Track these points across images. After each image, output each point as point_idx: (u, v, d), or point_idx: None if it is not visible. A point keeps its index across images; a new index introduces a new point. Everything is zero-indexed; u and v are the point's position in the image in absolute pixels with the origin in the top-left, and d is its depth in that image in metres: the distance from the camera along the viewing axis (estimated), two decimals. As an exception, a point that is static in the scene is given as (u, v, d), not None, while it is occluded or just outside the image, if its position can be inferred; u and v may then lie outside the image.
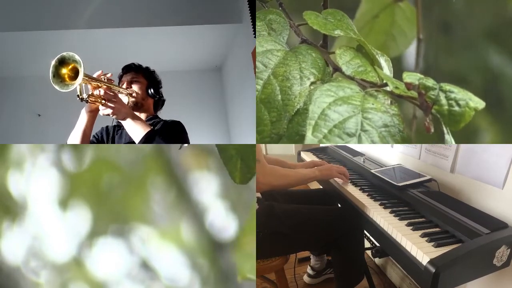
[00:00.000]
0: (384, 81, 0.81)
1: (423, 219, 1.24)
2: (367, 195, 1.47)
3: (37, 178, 1.34)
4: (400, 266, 1.81)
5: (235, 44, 3.47)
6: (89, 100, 1.33)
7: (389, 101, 0.79)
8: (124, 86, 1.61)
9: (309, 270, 2.01)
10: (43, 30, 2.92)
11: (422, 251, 0.98)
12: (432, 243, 1.03)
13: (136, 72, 1.65)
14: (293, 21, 0.90)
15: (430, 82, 0.77)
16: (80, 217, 1.33)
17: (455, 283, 0.96)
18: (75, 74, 1.26)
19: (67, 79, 1.26)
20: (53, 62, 1.25)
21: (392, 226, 1.16)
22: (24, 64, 3.55)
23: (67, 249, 1.32)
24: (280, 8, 0.92)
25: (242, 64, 3.25)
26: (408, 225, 1.17)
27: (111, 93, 1.37)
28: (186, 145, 0.94)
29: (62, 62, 1.26)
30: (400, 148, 1.79)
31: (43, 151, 1.35)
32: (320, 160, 2.11)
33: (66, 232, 1.33)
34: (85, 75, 1.27)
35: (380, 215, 1.25)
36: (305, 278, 2.02)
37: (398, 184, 1.43)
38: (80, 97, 1.30)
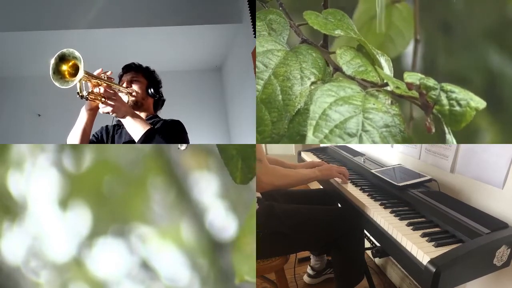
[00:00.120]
0: (385, 81, 0.81)
1: (423, 219, 1.24)
2: (367, 195, 1.47)
3: (37, 178, 1.34)
4: (400, 266, 1.81)
5: (235, 44, 3.47)
6: (89, 98, 1.33)
7: (389, 101, 0.79)
8: (124, 85, 1.61)
9: (309, 270, 2.01)
10: (43, 30, 2.92)
11: (423, 251, 0.98)
12: (432, 243, 1.03)
13: (136, 71, 1.65)
14: (293, 21, 0.90)
15: (431, 82, 0.77)
16: (80, 217, 1.33)
17: (455, 283, 0.96)
18: (75, 71, 1.26)
19: (67, 76, 1.26)
20: (53, 59, 1.25)
21: (392, 226, 1.16)
22: (24, 64, 3.55)
23: (67, 249, 1.32)
24: (280, 8, 0.92)
25: (242, 64, 3.25)
26: (408, 225, 1.17)
27: (111, 91, 1.37)
28: (185, 145, 0.94)
29: (62, 59, 1.26)
30: (400, 148, 1.79)
31: (43, 151, 1.35)
32: (319, 160, 2.11)
33: (66, 232, 1.33)
34: (85, 72, 1.27)
35: (380, 215, 1.25)
36: (305, 278, 2.02)
37: (398, 184, 1.43)
38: (80, 94, 1.30)
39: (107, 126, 1.64)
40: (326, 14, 0.89)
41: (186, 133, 1.57)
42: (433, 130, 0.77)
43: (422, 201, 1.30)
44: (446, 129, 0.78)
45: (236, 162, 0.74)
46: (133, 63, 1.68)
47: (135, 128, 1.38)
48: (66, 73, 1.26)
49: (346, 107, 0.75)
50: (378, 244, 1.67)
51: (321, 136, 0.73)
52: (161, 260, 1.33)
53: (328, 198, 1.76)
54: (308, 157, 2.29)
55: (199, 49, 3.64)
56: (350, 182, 1.63)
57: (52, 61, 1.24)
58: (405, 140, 0.76)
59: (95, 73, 1.37)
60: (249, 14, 2.73)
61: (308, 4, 0.92)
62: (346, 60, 0.84)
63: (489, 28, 1.26)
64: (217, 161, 1.36)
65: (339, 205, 1.73)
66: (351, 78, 0.82)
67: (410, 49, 1.11)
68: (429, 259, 0.94)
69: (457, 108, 0.76)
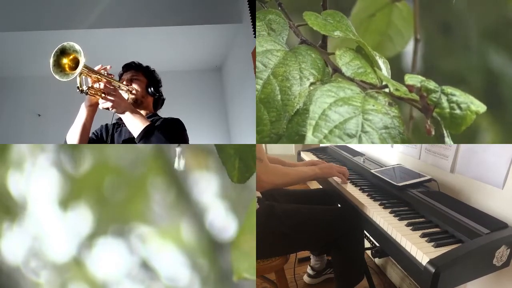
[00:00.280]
0: (384, 83, 0.81)
1: (423, 219, 1.24)
2: (367, 195, 1.47)
3: (37, 178, 1.34)
4: (400, 266, 1.81)
5: (235, 44, 3.47)
6: (89, 93, 1.33)
7: (388, 103, 0.79)
8: (124, 83, 1.61)
9: (309, 270, 2.01)
10: (43, 30, 2.93)
11: (422, 251, 0.98)
12: (432, 243, 1.03)
13: (136, 70, 1.66)
14: (292, 22, 0.90)
15: (432, 84, 0.77)
16: (80, 217, 1.33)
17: (455, 283, 0.96)
18: (75, 65, 1.26)
19: (67, 69, 1.26)
20: (53, 52, 1.25)
21: (392, 226, 1.16)
22: (24, 64, 3.55)
23: (67, 249, 1.32)
24: (279, 8, 0.92)
25: (242, 64, 3.25)
26: (408, 225, 1.17)
27: (111, 87, 1.37)
28: (180, 149, 0.93)
29: (62, 52, 1.26)
30: (400, 148, 1.80)
31: (43, 151, 1.35)
32: (319, 160, 2.11)
33: (66, 232, 1.33)
34: (86, 66, 1.27)
35: (380, 215, 1.25)
36: (305, 278, 2.02)
37: (398, 184, 1.43)
38: (80, 89, 1.30)
39: (106, 124, 1.64)
40: (326, 15, 0.89)
41: (186, 131, 1.57)
42: (433, 133, 0.77)
43: (421, 201, 1.30)
44: (445, 132, 0.78)
45: (234, 161, 0.74)
46: (133, 62, 1.68)
47: (135, 123, 1.38)
48: (66, 66, 1.27)
49: (345, 108, 0.76)
50: (378, 244, 1.67)
51: (320, 136, 0.73)
52: (161, 260, 1.33)
53: (328, 198, 1.76)
54: (308, 157, 2.29)
55: (199, 49, 3.64)
56: (350, 182, 1.63)
57: (53, 54, 1.25)
58: (404, 141, 0.76)
59: (95, 69, 1.37)
60: (249, 14, 2.73)
61: (306, 4, 0.93)
62: (346, 62, 0.84)
63: (489, 28, 1.25)
64: (217, 161, 1.36)
65: (339, 205, 1.73)
66: (350, 79, 0.83)
67: (409, 48, 1.11)
68: (428, 260, 0.94)
69: (458, 111, 0.76)
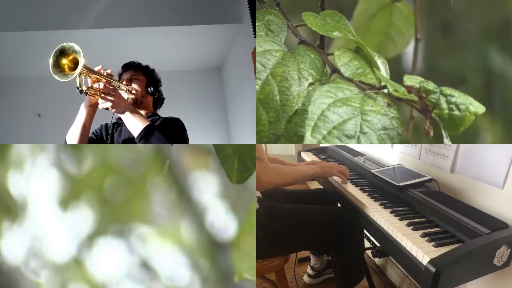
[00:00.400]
0: (383, 84, 0.81)
1: (423, 219, 1.24)
2: (367, 195, 1.47)
3: (37, 178, 1.34)
4: (400, 266, 1.81)
5: (235, 44, 3.47)
6: (88, 93, 1.33)
7: (387, 104, 0.79)
8: (124, 83, 1.61)
9: (309, 270, 2.01)
10: (43, 30, 2.92)
11: (423, 251, 0.98)
12: (432, 243, 1.03)
13: (135, 70, 1.66)
14: (290, 22, 0.90)
15: (430, 85, 0.77)
16: (80, 217, 1.33)
17: (455, 283, 0.96)
18: (75, 65, 1.26)
19: (67, 70, 1.26)
20: (53, 53, 1.25)
21: (392, 226, 1.16)
22: (24, 64, 3.55)
23: (67, 249, 1.32)
24: (277, 8, 0.92)
25: (242, 64, 3.25)
26: (408, 225, 1.17)
27: (111, 87, 1.37)
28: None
29: (62, 53, 1.26)
30: (400, 148, 1.79)
31: (43, 151, 1.35)
32: (320, 160, 2.11)
33: (66, 232, 1.33)
34: (85, 66, 1.27)
35: (380, 215, 1.25)
36: (305, 278, 2.02)
37: (398, 184, 1.43)
38: (80, 89, 1.30)
39: (106, 124, 1.64)
40: (324, 15, 0.89)
41: (186, 131, 1.57)
42: (432, 134, 0.77)
43: (422, 201, 1.30)
44: (444, 133, 0.78)
45: (233, 161, 0.74)
46: (133, 61, 1.68)
47: (135, 123, 1.38)
48: (66, 67, 1.27)
49: (344, 108, 0.75)
50: (378, 244, 1.67)
51: (319, 137, 0.73)
52: (161, 260, 1.33)
53: (328, 198, 1.76)
54: (308, 157, 2.29)
55: (199, 49, 3.64)
56: (350, 182, 1.63)
57: (52, 54, 1.25)
58: (402, 142, 0.76)
59: (95, 69, 1.37)
60: (249, 14, 2.73)
61: (305, 4, 0.93)
62: (344, 62, 0.84)
63: (489, 28, 1.25)
64: (217, 161, 1.36)
65: (339, 205, 1.73)
66: (349, 80, 0.82)
67: (409, 48, 1.11)
68: (429, 259, 0.94)
69: (456, 112, 0.76)
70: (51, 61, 1.24)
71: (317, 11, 0.90)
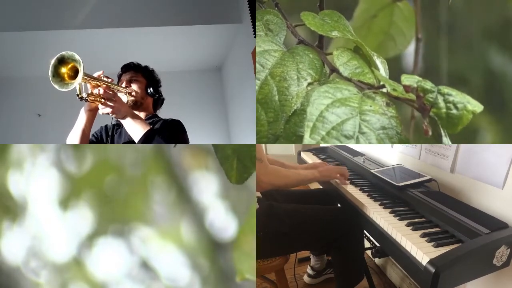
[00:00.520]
0: (381, 83, 0.81)
1: (423, 219, 1.24)
2: (367, 195, 1.47)
3: (37, 178, 1.34)
4: (400, 266, 1.81)
5: (235, 44, 3.47)
6: (88, 99, 1.32)
7: (386, 103, 0.79)
8: (123, 85, 1.61)
9: (309, 270, 2.01)
10: (43, 30, 2.93)
11: (422, 251, 0.98)
12: (432, 243, 1.03)
13: (135, 71, 1.65)
14: (289, 22, 0.90)
15: (428, 84, 0.77)
16: (80, 217, 1.33)
17: (455, 283, 0.96)
18: (74, 73, 1.26)
19: (66, 79, 1.26)
20: (52, 62, 1.25)
21: (392, 226, 1.16)
22: (24, 64, 3.55)
23: (67, 249, 1.32)
24: (276, 8, 0.91)
25: (242, 64, 3.25)
26: (408, 225, 1.17)
27: (111, 92, 1.37)
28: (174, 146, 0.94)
29: (61, 61, 1.26)
30: (400, 148, 1.79)
31: (43, 151, 1.35)
32: (320, 162, 2.11)
33: (66, 232, 1.33)
34: (85, 74, 1.27)
35: (380, 215, 1.25)
36: (305, 278, 2.02)
37: (398, 184, 1.43)
38: (80, 96, 1.30)
39: (106, 125, 1.64)
40: (323, 15, 0.89)
41: (186, 133, 1.57)
42: (430, 133, 0.77)
43: (422, 201, 1.30)
44: (442, 131, 0.78)
45: (232, 161, 0.74)
46: (132, 62, 1.68)
47: (135, 129, 1.38)
48: (65, 75, 1.26)
49: (343, 109, 0.75)
50: (378, 244, 1.67)
51: (318, 138, 0.73)
52: (161, 260, 1.33)
53: (328, 198, 1.76)
54: (308, 157, 2.29)
55: (199, 49, 3.64)
56: (350, 182, 1.63)
57: (52, 63, 1.24)
58: (401, 141, 0.76)
59: (95, 75, 1.37)
60: (249, 14, 2.73)
61: (303, 4, 0.92)
62: (343, 62, 0.84)
63: (489, 28, 1.25)
64: (217, 161, 1.36)
65: (339, 205, 1.73)
66: (348, 79, 0.82)
67: (410, 48, 1.11)
68: (428, 259, 0.94)
69: (454, 111, 0.76)
70: (50, 70, 1.24)
71: (315, 11, 0.90)
